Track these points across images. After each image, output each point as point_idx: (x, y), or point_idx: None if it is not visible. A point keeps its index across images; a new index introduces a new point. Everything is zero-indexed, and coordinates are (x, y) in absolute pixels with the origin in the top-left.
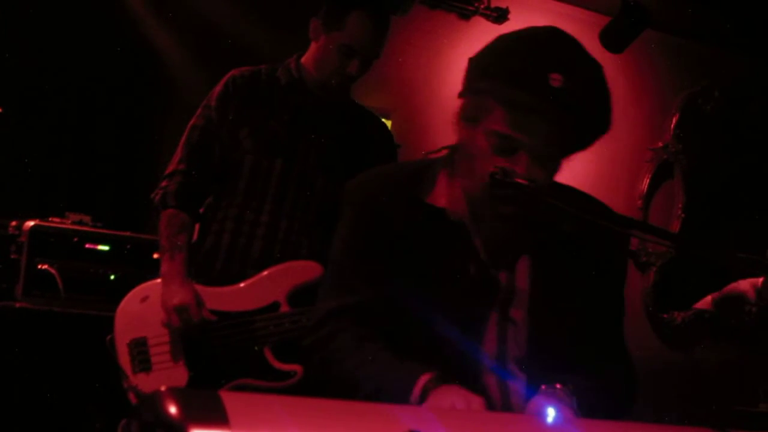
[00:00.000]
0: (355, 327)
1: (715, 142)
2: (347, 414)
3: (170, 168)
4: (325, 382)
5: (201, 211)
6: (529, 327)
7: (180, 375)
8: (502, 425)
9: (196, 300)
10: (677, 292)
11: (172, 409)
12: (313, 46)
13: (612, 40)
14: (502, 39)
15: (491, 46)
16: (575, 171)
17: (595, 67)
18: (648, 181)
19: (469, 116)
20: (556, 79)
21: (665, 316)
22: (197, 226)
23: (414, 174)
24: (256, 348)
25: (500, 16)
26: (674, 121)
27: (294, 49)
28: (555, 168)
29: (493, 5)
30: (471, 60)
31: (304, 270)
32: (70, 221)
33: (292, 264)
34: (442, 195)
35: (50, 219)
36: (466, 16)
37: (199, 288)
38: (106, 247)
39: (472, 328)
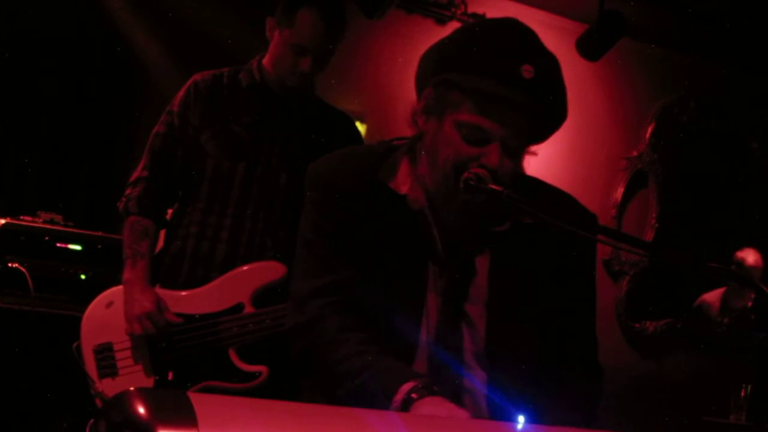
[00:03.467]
0: (340, 314)
1: (690, 152)
2: (317, 418)
3: (134, 175)
4: (303, 373)
5: (168, 217)
6: (487, 322)
7: (143, 379)
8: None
9: (157, 306)
10: (650, 301)
11: (141, 410)
12: (270, 46)
13: (589, 48)
14: (464, 31)
15: (453, 38)
16: (549, 178)
17: (555, 57)
18: (622, 190)
19: (432, 109)
20: (527, 71)
21: (637, 325)
22: (164, 232)
23: (378, 158)
24: (220, 350)
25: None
26: (650, 130)
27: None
28: (521, 159)
29: (470, 11)
30: (428, 53)
31: (267, 270)
32: (41, 220)
33: (255, 265)
34: (404, 182)
35: (21, 217)
36: (442, 21)
37: (163, 292)
38: (77, 247)
39: (423, 319)
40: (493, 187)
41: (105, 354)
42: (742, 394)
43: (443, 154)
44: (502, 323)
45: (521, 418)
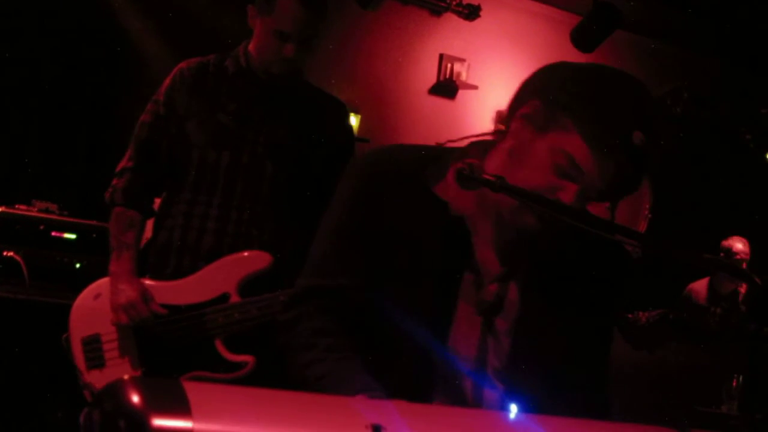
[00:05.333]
0: (316, 316)
1: (683, 144)
2: (309, 406)
3: (120, 165)
4: (282, 369)
5: (155, 207)
6: (512, 340)
7: (131, 370)
8: (462, 419)
9: (143, 296)
10: (643, 292)
11: (134, 398)
12: (254, 33)
13: (582, 39)
14: (594, 71)
15: (582, 69)
16: None
17: (659, 136)
18: None
19: (536, 122)
20: (638, 138)
21: (630, 316)
22: (152, 222)
23: (425, 160)
24: (206, 340)
25: (471, 12)
26: None
27: None
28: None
29: (464, 2)
30: (551, 68)
31: (253, 260)
32: (36, 209)
33: (241, 254)
34: (450, 188)
35: (16, 206)
36: (437, 12)
37: (149, 283)
38: (72, 236)
39: (452, 325)
40: (487, 177)
41: (93, 345)
42: (734, 384)
43: (526, 172)
44: (527, 342)
45: (513, 407)
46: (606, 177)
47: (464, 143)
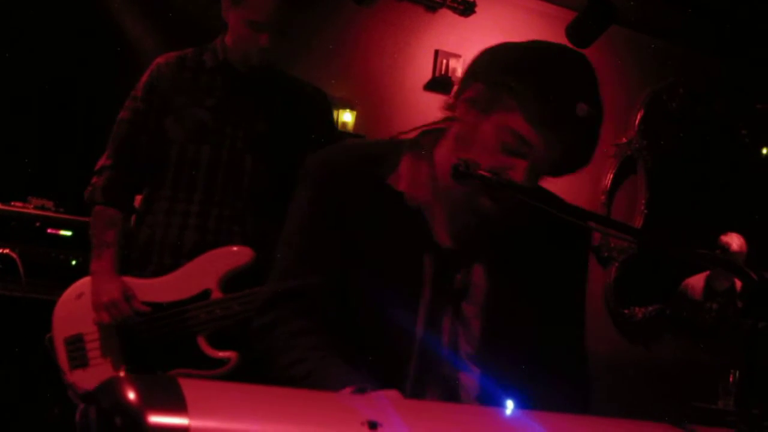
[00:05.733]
0: (293, 319)
1: (679, 139)
2: (305, 402)
3: (99, 163)
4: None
5: (137, 204)
6: (482, 323)
7: (115, 369)
8: (458, 415)
9: (123, 295)
10: (638, 287)
11: (131, 395)
12: (228, 25)
13: (578, 35)
14: (533, 49)
15: (526, 47)
16: None
17: (602, 104)
18: (611, 176)
19: (480, 104)
20: (582, 110)
21: (626, 311)
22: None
23: (379, 153)
24: (189, 337)
25: (467, 8)
26: (639, 117)
27: None
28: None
29: None
30: (494, 50)
31: (234, 256)
32: (32, 206)
33: (221, 250)
34: (404, 178)
35: (12, 203)
36: (432, 8)
37: (131, 281)
38: (68, 233)
39: (420, 312)
40: (483, 173)
41: (76, 345)
42: (731, 379)
43: (475, 153)
44: (497, 325)
45: (510, 403)
46: (554, 151)
47: (415, 134)
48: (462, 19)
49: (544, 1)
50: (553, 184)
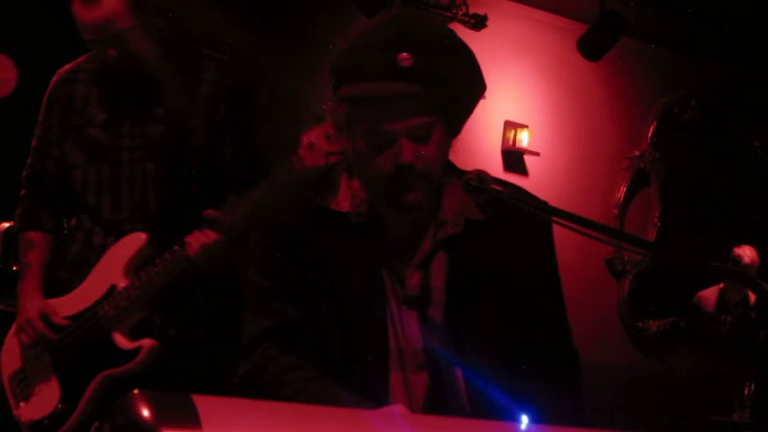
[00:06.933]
0: (283, 356)
1: (691, 151)
2: (321, 419)
3: (21, 192)
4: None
5: (65, 219)
6: (450, 324)
7: (52, 390)
8: (472, 430)
9: (38, 314)
10: (652, 300)
11: (145, 412)
12: None
13: (589, 47)
14: (349, 42)
15: (338, 51)
16: (551, 178)
17: (442, 34)
18: (624, 189)
19: (341, 127)
20: (405, 59)
21: (640, 324)
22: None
23: (315, 181)
24: (106, 338)
25: (478, 22)
26: (651, 129)
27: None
28: (443, 144)
29: (471, 12)
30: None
31: (127, 244)
32: None
33: (117, 243)
34: (345, 198)
35: None
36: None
37: (54, 300)
38: None
39: (389, 327)
40: (495, 187)
41: (19, 378)
42: (746, 392)
43: (363, 169)
44: (465, 323)
45: (524, 418)
46: (401, 114)
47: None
48: (473, 32)
49: (555, 14)
50: (566, 202)
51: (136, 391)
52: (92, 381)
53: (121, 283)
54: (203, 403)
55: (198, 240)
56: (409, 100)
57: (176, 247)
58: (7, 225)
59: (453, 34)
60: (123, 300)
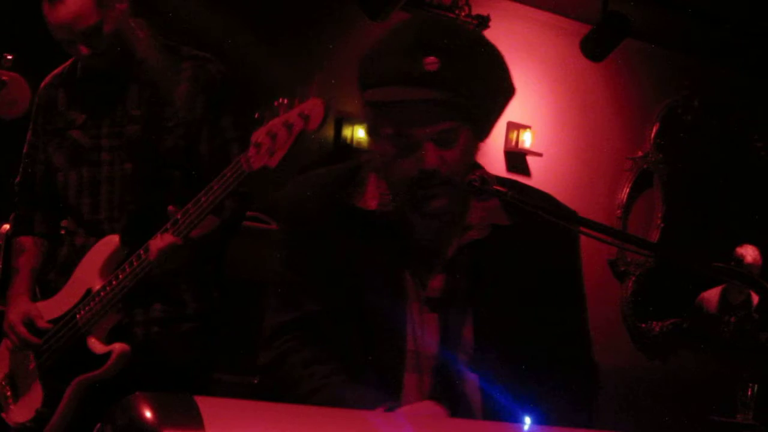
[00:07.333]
0: (303, 348)
1: (694, 152)
2: (324, 420)
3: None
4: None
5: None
6: (474, 328)
7: (36, 394)
8: None
9: (23, 318)
10: (656, 301)
11: (147, 413)
12: None
13: (592, 48)
14: (372, 46)
15: (363, 56)
16: (554, 179)
17: (466, 37)
18: (627, 190)
19: (371, 129)
20: (431, 63)
21: (643, 325)
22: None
23: (343, 177)
24: (81, 342)
25: (481, 23)
26: (654, 130)
27: (255, 40)
28: (470, 148)
29: (474, 13)
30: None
31: (101, 248)
32: None
33: (93, 248)
34: (374, 197)
35: None
36: None
37: (40, 303)
38: None
39: (408, 328)
40: (498, 188)
41: (8, 382)
42: (749, 393)
43: (389, 172)
44: (489, 328)
45: (527, 419)
46: (427, 119)
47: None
48: None
49: (558, 15)
50: (569, 203)
51: (137, 393)
52: (66, 386)
53: (96, 286)
54: (206, 404)
55: (155, 245)
56: (434, 105)
57: (141, 251)
58: (8, 227)
59: (480, 38)
60: (97, 304)
